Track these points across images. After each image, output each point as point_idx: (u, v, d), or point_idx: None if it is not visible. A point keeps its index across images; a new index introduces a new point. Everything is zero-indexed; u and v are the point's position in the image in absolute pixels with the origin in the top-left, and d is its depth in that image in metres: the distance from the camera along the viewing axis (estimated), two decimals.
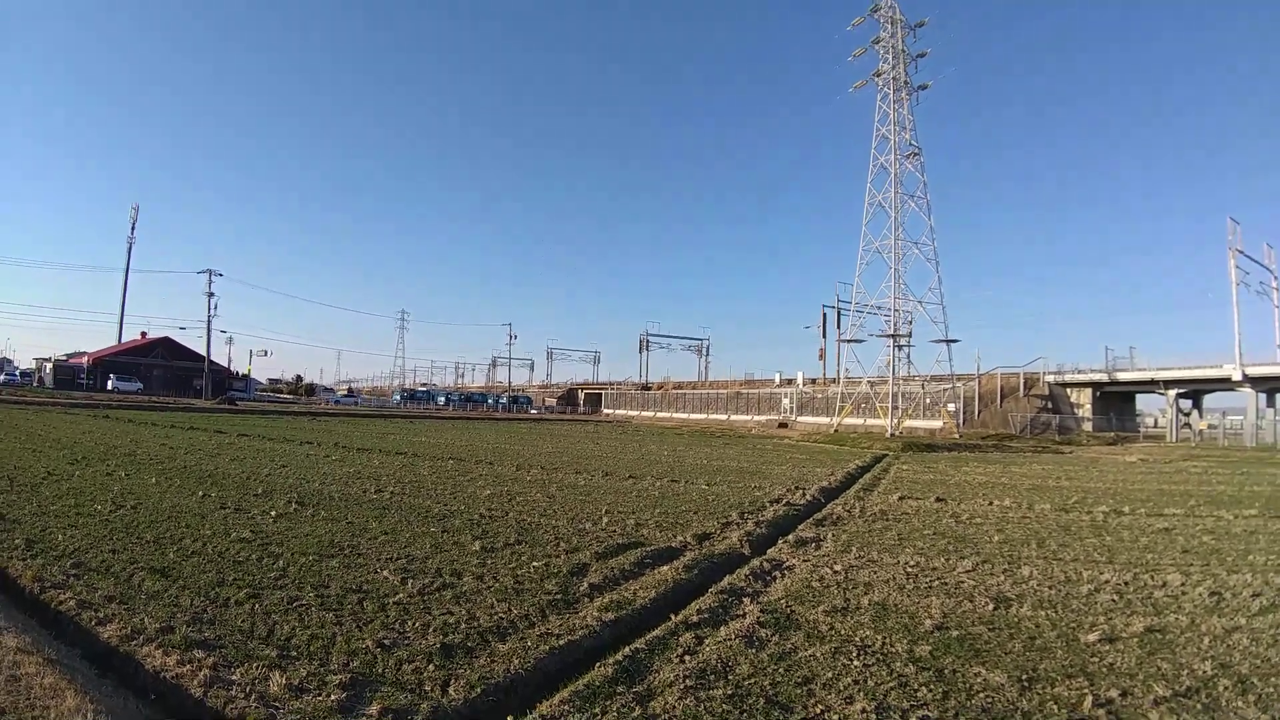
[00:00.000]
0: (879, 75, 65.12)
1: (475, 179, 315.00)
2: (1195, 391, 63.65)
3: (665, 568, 9.58)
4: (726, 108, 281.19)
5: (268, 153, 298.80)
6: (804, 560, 10.58)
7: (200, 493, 14.23)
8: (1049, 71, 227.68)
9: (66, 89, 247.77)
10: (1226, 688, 5.92)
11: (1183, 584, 9.59)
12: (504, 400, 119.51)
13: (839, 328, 75.16)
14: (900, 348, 61.96)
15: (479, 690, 5.48)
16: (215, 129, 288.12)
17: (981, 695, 5.70)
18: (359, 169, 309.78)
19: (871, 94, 66.34)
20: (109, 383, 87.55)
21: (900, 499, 18.02)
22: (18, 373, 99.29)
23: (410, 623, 6.93)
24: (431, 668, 5.84)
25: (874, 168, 65.18)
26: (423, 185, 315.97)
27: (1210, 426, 62.42)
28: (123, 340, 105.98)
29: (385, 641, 6.35)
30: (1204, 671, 6.31)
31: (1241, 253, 56.93)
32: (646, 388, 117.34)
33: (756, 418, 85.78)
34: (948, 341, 63.24)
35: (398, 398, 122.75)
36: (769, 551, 11.25)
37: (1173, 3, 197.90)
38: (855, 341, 67.75)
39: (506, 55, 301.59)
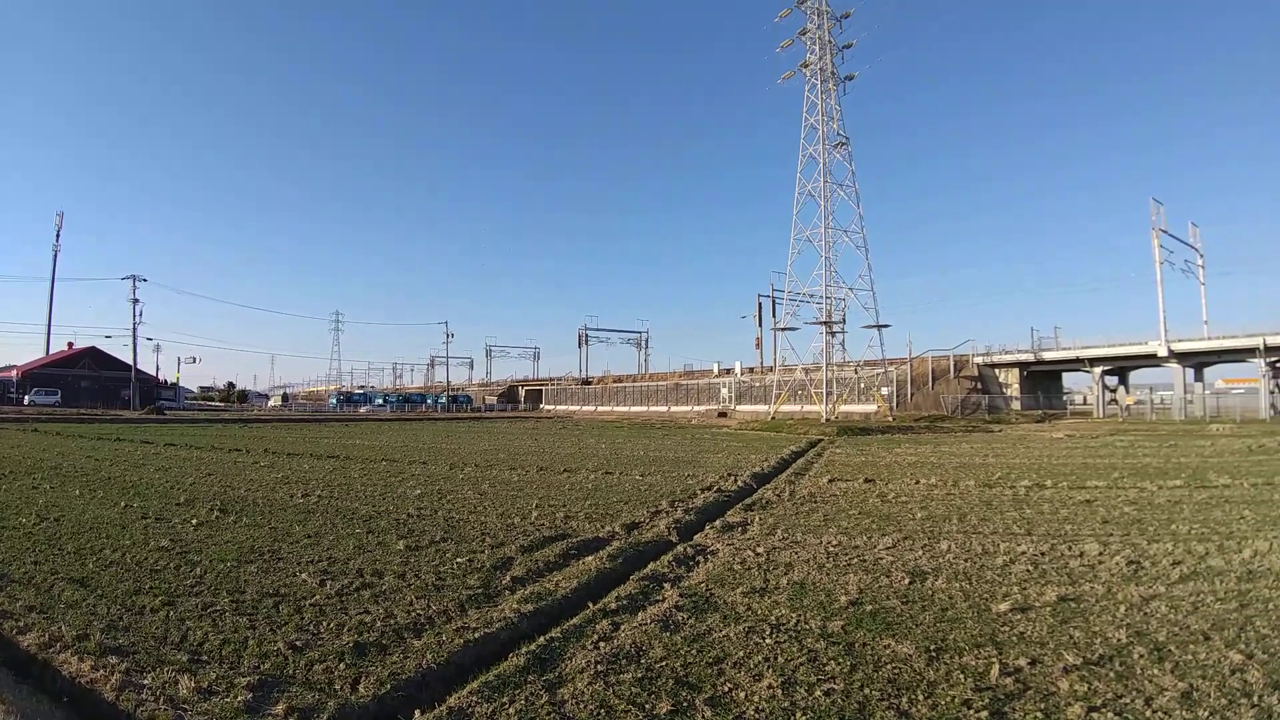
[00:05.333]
0: (806, 66, 65.91)
1: (406, 174, 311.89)
2: (1121, 369, 65.44)
3: (590, 558, 9.56)
4: (658, 99, 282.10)
5: (191, 153, 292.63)
6: (728, 544, 10.66)
7: (123, 503, 13.93)
8: (971, 55, 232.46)
9: None
10: (1141, 655, 5.97)
11: (1100, 554, 9.77)
12: (443, 400, 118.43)
13: (774, 316, 75.85)
14: (833, 334, 62.89)
15: (389, 686, 5.44)
16: (138, 129, 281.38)
17: (889, 667, 5.80)
18: (286, 167, 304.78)
19: (801, 83, 67.01)
20: (26, 397, 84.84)
21: (830, 481, 18.23)
22: None
23: (325, 623, 6.86)
24: (342, 666, 5.79)
25: (803, 157, 66.05)
26: (353, 182, 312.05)
27: (1137, 402, 64.34)
28: (50, 351, 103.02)
29: (298, 643, 6.28)
30: (1118, 640, 6.39)
31: (1165, 232, 58.95)
32: (587, 382, 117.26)
33: (696, 408, 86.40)
34: (879, 327, 64.41)
35: (334, 401, 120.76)
36: (695, 537, 11.32)
37: None
38: (790, 330, 68.72)
39: (440, 42, 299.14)
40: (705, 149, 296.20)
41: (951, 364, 69.72)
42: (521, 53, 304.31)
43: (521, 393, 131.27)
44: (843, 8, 65.21)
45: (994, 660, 5.89)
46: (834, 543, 10.68)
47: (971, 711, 4.98)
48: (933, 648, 6.21)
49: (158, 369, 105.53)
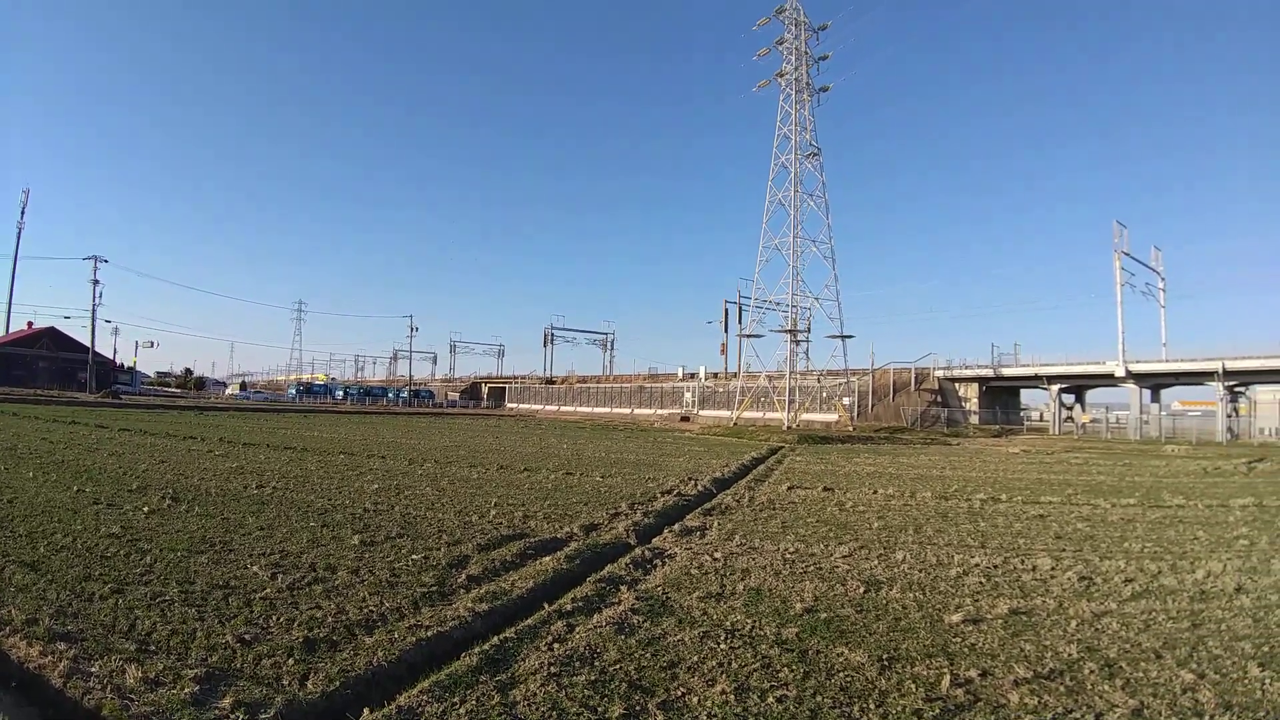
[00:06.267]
0: (782, 76, 65.99)
1: (374, 166, 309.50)
2: (1078, 387, 66.29)
3: (547, 558, 9.55)
4: (632, 102, 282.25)
5: (157, 138, 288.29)
6: (686, 548, 10.68)
7: (75, 488, 13.79)
8: (942, 73, 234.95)
9: None
10: (1092, 671, 6.03)
11: (1053, 568, 9.88)
12: (405, 394, 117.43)
13: (740, 323, 75.96)
14: (798, 343, 63.07)
15: (338, 683, 5.39)
16: (105, 112, 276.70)
17: (842, 675, 5.82)
18: (253, 156, 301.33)
19: (776, 93, 67.22)
20: None
21: (789, 489, 18.34)
22: None
23: (275, 618, 6.78)
24: (291, 662, 5.72)
25: (775, 166, 66.15)
26: (319, 172, 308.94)
27: (1093, 420, 65.02)
28: (10, 331, 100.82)
29: (246, 636, 6.21)
30: (1069, 654, 6.45)
31: (1128, 255, 59.65)
32: (551, 381, 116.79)
33: (659, 411, 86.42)
34: (843, 337, 64.72)
35: (293, 392, 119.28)
36: (654, 541, 11.33)
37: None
38: (755, 337, 68.76)
39: (413, 37, 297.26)
40: (678, 154, 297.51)
41: (913, 377, 70.26)
42: (495, 51, 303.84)
43: (485, 390, 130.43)
44: (820, 19, 65.61)
45: (945, 671, 5.93)
46: (791, 550, 10.72)
47: None
48: (885, 657, 6.25)
49: (115, 352, 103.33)
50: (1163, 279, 62.97)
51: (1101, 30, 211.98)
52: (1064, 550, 11.29)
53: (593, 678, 5.61)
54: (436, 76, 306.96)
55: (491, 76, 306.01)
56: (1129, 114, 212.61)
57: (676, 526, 12.52)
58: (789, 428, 55.92)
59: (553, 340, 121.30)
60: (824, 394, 68.05)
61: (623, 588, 8.38)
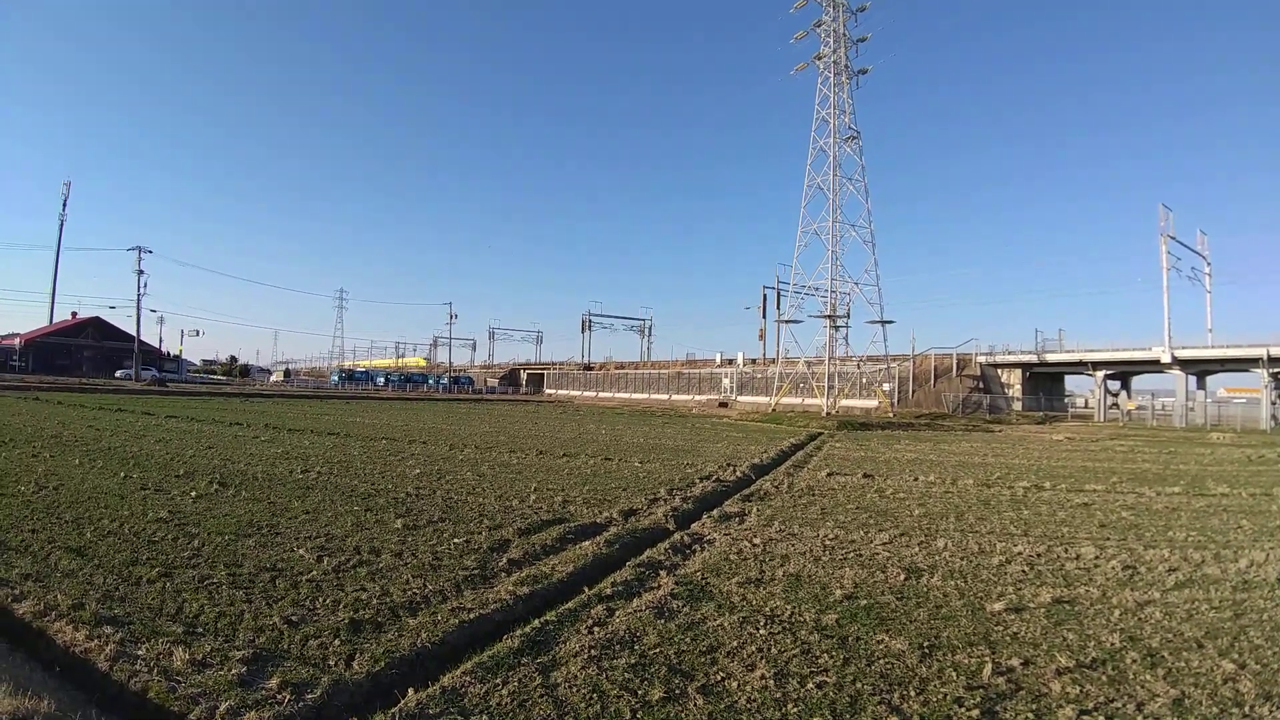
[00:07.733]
0: (820, 58, 65.34)
1: (414, 155, 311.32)
2: (1123, 373, 65.18)
3: (587, 543, 9.59)
4: (669, 88, 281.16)
5: (199, 128, 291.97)
6: (725, 534, 10.68)
7: (122, 474, 14.02)
8: (984, 56, 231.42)
9: None
10: (1134, 660, 5.95)
11: (1096, 557, 9.74)
12: (445, 380, 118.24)
13: (778, 309, 75.72)
14: (837, 329, 62.76)
15: (383, 664, 5.47)
16: (147, 102, 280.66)
17: (882, 662, 5.81)
18: (294, 145, 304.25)
19: (814, 76, 66.63)
20: None
21: (828, 475, 18.25)
22: None
23: (321, 599, 6.89)
24: (337, 643, 5.81)
25: (813, 150, 65.65)
26: (360, 162, 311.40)
27: (1139, 407, 63.97)
28: (54, 321, 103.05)
29: (293, 618, 6.32)
30: (1112, 643, 6.37)
31: (1173, 239, 58.33)
32: (589, 368, 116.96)
33: (697, 397, 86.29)
34: (883, 323, 64.21)
35: (336, 378, 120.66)
36: (693, 526, 11.35)
37: None
38: (794, 322, 68.68)
39: (451, 25, 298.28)
40: (716, 139, 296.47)
41: (954, 362, 69.45)
42: (532, 38, 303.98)
43: (523, 376, 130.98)
44: (859, 1, 64.75)
45: (987, 659, 5.89)
46: (831, 536, 10.68)
47: (963, 709, 4.99)
48: (926, 644, 6.22)
49: (160, 341, 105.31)
50: (1208, 263, 61.66)
51: (1151, 16, 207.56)
52: (1108, 539, 11.12)
53: (632, 661, 5.65)
54: (474, 67, 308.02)
55: (527, 67, 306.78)
56: (1176, 101, 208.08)
57: (715, 512, 12.50)
58: (828, 414, 55.62)
59: (590, 327, 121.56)
60: (864, 380, 67.60)
61: (662, 572, 8.40)
